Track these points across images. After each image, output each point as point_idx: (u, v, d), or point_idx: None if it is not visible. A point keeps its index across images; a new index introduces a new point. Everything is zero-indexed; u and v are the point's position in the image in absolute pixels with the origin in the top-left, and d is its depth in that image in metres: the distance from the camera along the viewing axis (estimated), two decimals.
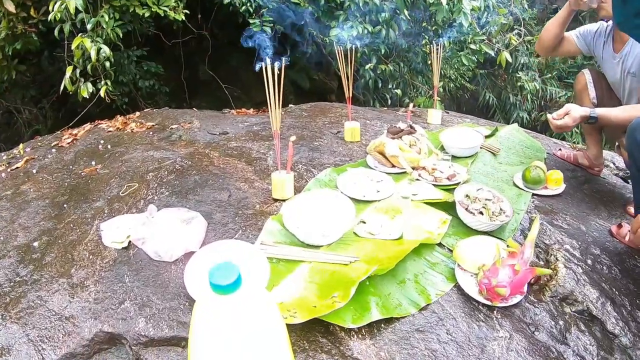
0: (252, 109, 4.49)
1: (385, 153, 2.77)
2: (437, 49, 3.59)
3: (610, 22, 2.89)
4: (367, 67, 4.95)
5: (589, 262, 2.23)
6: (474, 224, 2.32)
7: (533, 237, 2.10)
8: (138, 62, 6.00)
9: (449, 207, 2.46)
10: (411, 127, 2.96)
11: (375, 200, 2.48)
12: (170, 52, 6.29)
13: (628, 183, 3.32)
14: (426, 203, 2.47)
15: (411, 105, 3.26)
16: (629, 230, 2.41)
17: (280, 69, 2.34)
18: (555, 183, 2.83)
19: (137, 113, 4.41)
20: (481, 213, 2.35)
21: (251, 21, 5.01)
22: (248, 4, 5.05)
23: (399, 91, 5.38)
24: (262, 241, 2.13)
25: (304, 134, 3.40)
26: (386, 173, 2.76)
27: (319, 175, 2.70)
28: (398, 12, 4.84)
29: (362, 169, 2.74)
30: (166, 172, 2.80)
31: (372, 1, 4.65)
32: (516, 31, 6.50)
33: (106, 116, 4.50)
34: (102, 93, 4.47)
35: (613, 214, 2.82)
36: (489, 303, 1.90)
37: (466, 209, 2.35)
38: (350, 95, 3.21)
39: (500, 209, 2.39)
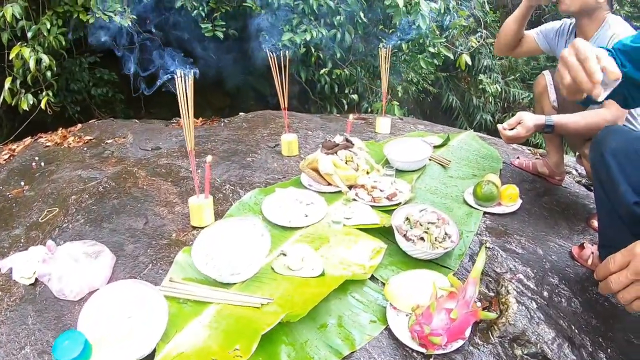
0: (200, 118, 4.17)
1: (319, 170, 2.44)
2: (386, 53, 3.26)
3: (573, 20, 2.59)
4: (322, 71, 4.65)
5: (545, 294, 1.92)
6: (413, 252, 2.00)
7: (478, 273, 1.76)
8: (91, 69, 5.66)
9: (387, 232, 2.14)
10: (347, 140, 2.61)
11: (302, 227, 2.15)
12: (124, 55, 5.93)
13: (591, 191, 3.03)
14: (360, 229, 2.14)
15: (351, 116, 2.93)
16: (592, 253, 2.14)
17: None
18: (510, 199, 2.51)
19: (79, 125, 4.10)
20: (422, 239, 2.03)
21: (203, 26, 4.73)
22: (200, 8, 4.77)
23: (355, 96, 5.08)
24: (171, 277, 1.82)
25: (238, 149, 3.08)
26: (320, 192, 2.44)
27: (243, 198, 2.37)
28: (354, 14, 4.55)
29: (292, 190, 2.40)
30: (87, 196, 2.50)
31: (327, 4, 4.37)
32: (478, 34, 6.25)
33: (59, 125, 4.19)
34: (42, 105, 4.16)
35: (575, 229, 2.51)
36: (423, 351, 1.59)
37: (404, 236, 2.04)
38: (286, 105, 2.89)
39: (445, 234, 2.07)
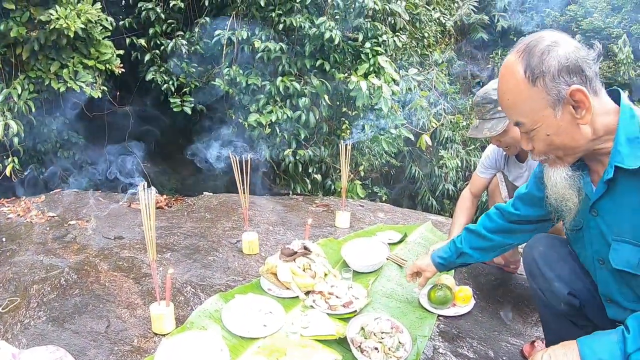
0: (164, 196, 4.26)
1: (278, 278, 2.57)
2: (347, 148, 3.44)
3: None
4: (286, 152, 4.81)
5: None
6: None
7: None
8: (59, 130, 5.69)
9: (344, 341, 2.25)
10: (305, 248, 2.74)
11: (261, 337, 2.24)
12: (94, 123, 6.00)
13: None
14: (317, 339, 2.24)
15: (310, 220, 3.05)
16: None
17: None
18: (464, 300, 2.64)
19: (43, 197, 4.13)
20: (377, 349, 2.15)
21: (172, 100, 4.88)
22: (170, 82, 4.92)
23: (318, 176, 5.23)
24: None
25: (200, 245, 3.18)
26: (279, 298, 2.54)
27: (204, 305, 2.42)
28: (319, 97, 4.76)
29: (251, 297, 2.48)
30: (50, 288, 2.55)
31: (293, 86, 4.56)
32: (440, 106, 6.53)
33: (22, 186, 4.26)
34: (7, 172, 4.21)
35: (529, 321, 2.66)
36: None
37: (359, 347, 2.16)
38: (247, 205, 3.01)
39: (399, 342, 2.19)
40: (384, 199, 6.52)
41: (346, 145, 3.42)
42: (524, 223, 2.09)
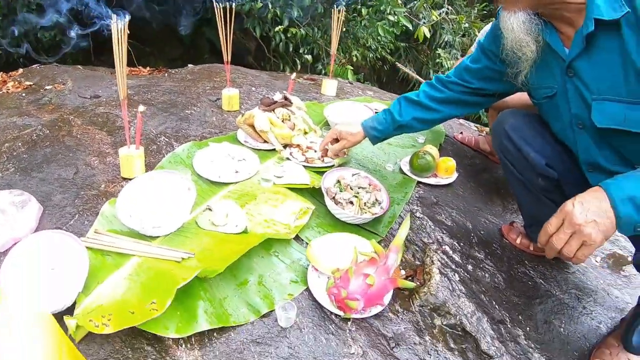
0: (148, 68, 4.04)
1: (255, 127, 2.41)
2: (339, 13, 3.18)
3: None
4: (277, 28, 4.54)
5: (470, 267, 1.95)
6: (341, 215, 2.00)
7: (400, 241, 1.77)
8: (39, 10, 5.36)
9: (318, 193, 2.14)
10: (286, 98, 2.56)
11: (232, 183, 2.12)
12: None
13: None
14: (290, 188, 2.12)
15: (293, 74, 2.86)
16: (521, 233, 2.20)
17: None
18: (446, 172, 2.49)
19: (20, 70, 3.90)
20: (351, 203, 2.03)
21: None
22: None
23: (309, 57, 4.99)
24: (95, 229, 1.77)
25: (178, 101, 2.98)
26: (255, 149, 2.40)
27: (176, 150, 2.31)
28: None
29: (226, 145, 2.35)
30: (20, 144, 2.38)
31: None
32: (443, 9, 6.19)
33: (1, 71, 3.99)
34: None
35: (509, 208, 2.56)
36: (341, 314, 1.60)
37: (333, 199, 2.03)
38: (229, 59, 2.81)
39: (376, 200, 2.08)
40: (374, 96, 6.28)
41: (339, 9, 3.16)
42: (480, 95, 1.98)
